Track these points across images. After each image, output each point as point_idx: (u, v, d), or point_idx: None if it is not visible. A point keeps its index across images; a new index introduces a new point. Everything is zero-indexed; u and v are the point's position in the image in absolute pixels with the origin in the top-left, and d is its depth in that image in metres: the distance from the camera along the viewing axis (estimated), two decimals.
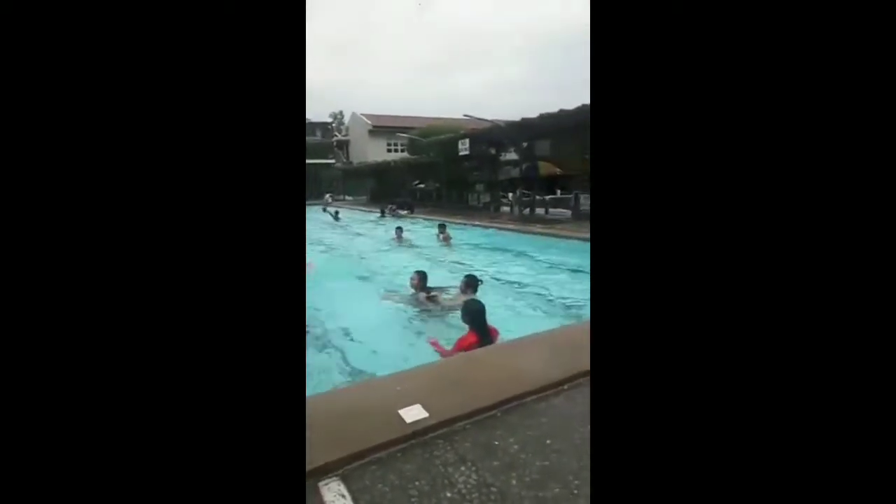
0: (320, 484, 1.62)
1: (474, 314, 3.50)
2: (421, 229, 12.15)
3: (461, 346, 3.32)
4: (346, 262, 8.86)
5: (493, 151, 15.54)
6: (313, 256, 7.21)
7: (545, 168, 15.41)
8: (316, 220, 15.91)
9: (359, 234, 13.28)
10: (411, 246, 9.88)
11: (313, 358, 3.72)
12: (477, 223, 12.29)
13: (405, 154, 25.54)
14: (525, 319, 4.72)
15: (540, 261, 7.77)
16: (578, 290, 5.65)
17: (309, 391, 1.91)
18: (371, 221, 16.05)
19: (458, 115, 17.29)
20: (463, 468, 1.69)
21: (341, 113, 43.32)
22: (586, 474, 1.63)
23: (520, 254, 8.47)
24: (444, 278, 6.06)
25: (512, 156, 15.12)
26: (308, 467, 1.62)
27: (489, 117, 15.05)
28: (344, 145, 37.58)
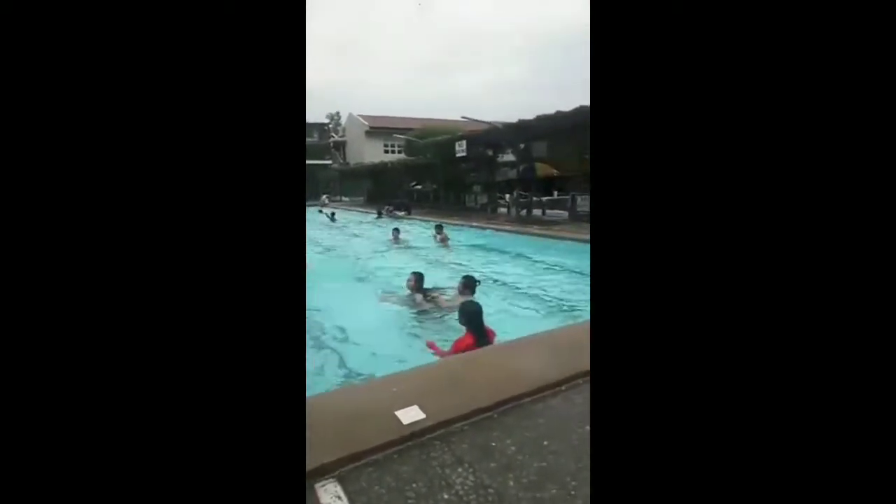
0: (317, 486, 1.62)
1: (471, 316, 3.50)
2: (418, 230, 12.14)
3: (458, 349, 3.32)
4: (343, 263, 8.84)
5: (490, 153, 15.57)
6: (309, 257, 7.18)
7: (542, 169, 15.45)
8: (312, 222, 15.87)
9: (355, 235, 13.26)
10: (408, 247, 9.87)
11: (309, 359, 3.70)
12: (474, 224, 12.30)
13: (402, 155, 25.53)
14: (522, 321, 4.72)
15: (537, 262, 7.77)
16: (576, 292, 5.66)
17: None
18: (368, 223, 16.04)
19: (456, 117, 17.31)
20: (460, 469, 1.69)
21: (338, 114, 43.28)
22: (583, 475, 1.63)
23: (517, 255, 8.48)
24: (442, 279, 6.05)
25: (509, 157, 15.16)
26: None
27: (488, 118, 15.11)
28: (341, 146, 37.53)
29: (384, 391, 2.26)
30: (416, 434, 1.89)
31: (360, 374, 3.54)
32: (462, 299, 4.25)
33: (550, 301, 5.59)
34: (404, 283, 5.33)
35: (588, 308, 4.88)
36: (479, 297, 4.57)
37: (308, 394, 2.12)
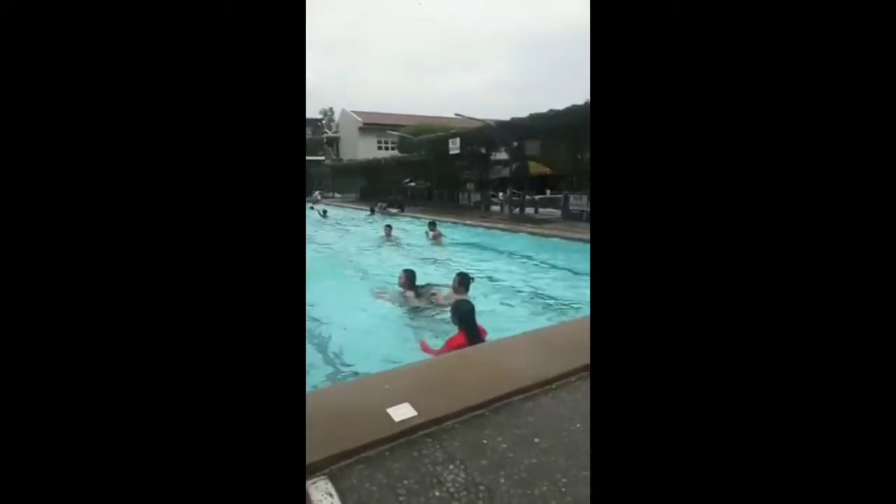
0: (308, 483, 1.61)
1: (463, 314, 3.49)
2: (411, 227, 12.12)
3: (450, 347, 3.31)
4: (334, 260, 8.80)
5: (483, 151, 15.57)
6: None
7: (535, 168, 15.48)
8: None
9: (347, 231, 13.20)
10: (401, 244, 9.86)
11: None
12: (468, 222, 12.31)
13: (396, 152, 25.45)
14: (513, 318, 4.73)
15: (530, 260, 7.80)
16: (568, 290, 5.68)
17: None
18: (361, 219, 15.97)
19: (450, 114, 17.26)
20: (451, 467, 1.69)
21: (331, 109, 42.97)
22: (574, 472, 1.64)
23: (509, 253, 8.50)
24: (435, 276, 6.05)
25: (502, 155, 15.18)
26: None
27: (484, 116, 15.07)
28: (334, 142, 37.35)
29: (376, 388, 2.26)
30: (408, 431, 1.89)
31: (350, 371, 3.53)
32: (457, 296, 4.25)
33: (542, 299, 5.61)
34: (395, 280, 5.32)
35: (580, 306, 4.93)
36: (471, 294, 4.58)
37: None
